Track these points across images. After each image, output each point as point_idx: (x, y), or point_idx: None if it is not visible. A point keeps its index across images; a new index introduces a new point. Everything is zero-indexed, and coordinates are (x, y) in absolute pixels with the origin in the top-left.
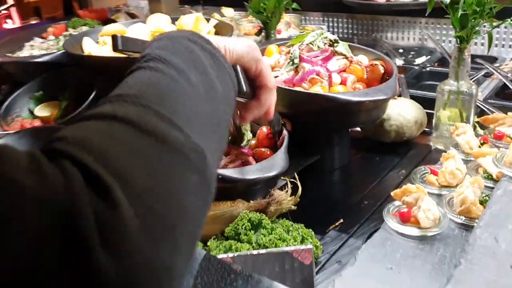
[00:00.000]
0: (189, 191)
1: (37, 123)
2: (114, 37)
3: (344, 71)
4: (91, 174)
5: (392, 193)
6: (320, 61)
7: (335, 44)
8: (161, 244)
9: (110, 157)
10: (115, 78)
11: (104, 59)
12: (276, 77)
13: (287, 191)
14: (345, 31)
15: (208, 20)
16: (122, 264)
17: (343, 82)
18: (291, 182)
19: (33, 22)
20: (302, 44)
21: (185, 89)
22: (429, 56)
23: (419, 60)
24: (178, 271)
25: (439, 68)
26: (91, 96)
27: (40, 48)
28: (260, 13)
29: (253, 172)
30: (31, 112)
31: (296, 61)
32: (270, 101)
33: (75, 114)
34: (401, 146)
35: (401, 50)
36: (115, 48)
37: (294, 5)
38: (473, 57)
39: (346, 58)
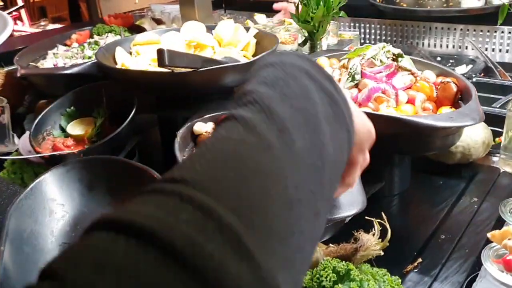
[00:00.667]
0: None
1: (70, 142)
2: (160, 52)
3: (410, 88)
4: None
5: (489, 234)
6: (385, 77)
7: (399, 59)
8: None
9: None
10: (154, 93)
11: (143, 74)
12: None
13: (374, 234)
14: (378, 37)
15: (247, 29)
16: None
17: (410, 101)
18: (379, 223)
19: (43, 23)
20: (363, 58)
21: (280, 171)
22: (470, 65)
23: (459, 69)
24: None
25: (487, 79)
26: (131, 114)
27: (64, 57)
28: (307, 22)
29: (332, 209)
30: (63, 130)
31: (358, 77)
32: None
33: (114, 135)
34: (466, 169)
35: (438, 58)
36: (161, 63)
37: (342, 13)
38: None
39: (412, 74)
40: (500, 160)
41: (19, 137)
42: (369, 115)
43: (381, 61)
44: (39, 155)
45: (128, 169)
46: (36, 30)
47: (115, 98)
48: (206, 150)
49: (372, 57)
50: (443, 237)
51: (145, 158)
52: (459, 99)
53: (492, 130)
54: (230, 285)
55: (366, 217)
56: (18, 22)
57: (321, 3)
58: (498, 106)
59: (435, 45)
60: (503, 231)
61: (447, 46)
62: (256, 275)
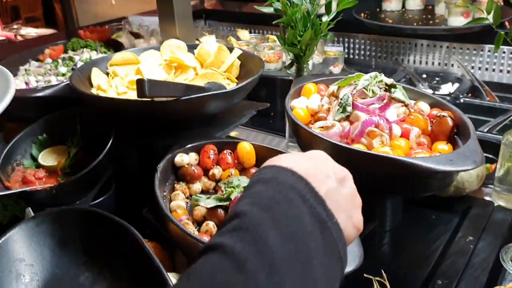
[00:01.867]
0: None
1: (41, 173)
2: (140, 82)
3: (404, 121)
4: None
5: None
6: (377, 109)
7: (392, 89)
8: None
9: None
10: (133, 121)
11: (121, 102)
12: (323, 128)
13: None
14: (363, 52)
15: (231, 49)
16: None
17: (404, 135)
18: (378, 282)
19: (15, 26)
20: (354, 88)
21: None
22: (456, 84)
23: (445, 87)
24: None
25: (475, 100)
26: (108, 146)
27: (37, 73)
28: (294, 45)
29: None
30: (34, 159)
31: (349, 108)
32: None
33: (90, 168)
34: (459, 202)
35: (424, 75)
36: (141, 94)
37: (330, 35)
38: None
39: (405, 105)
40: (494, 193)
41: None
42: (363, 154)
43: (373, 91)
44: (8, 192)
45: (105, 223)
46: (9, 34)
47: (91, 125)
48: (189, 273)
49: (364, 87)
50: (440, 282)
51: (122, 190)
52: (455, 133)
53: None
54: None
55: (365, 275)
56: None
57: (309, 25)
58: (486, 130)
59: (420, 62)
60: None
61: (433, 63)
62: None
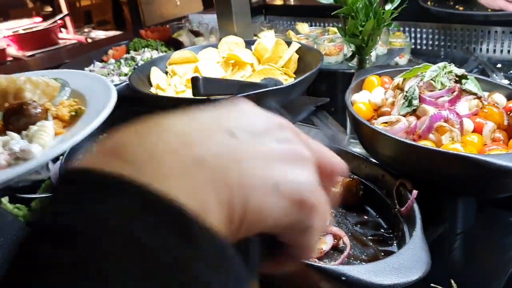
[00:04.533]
0: None
1: None
2: (194, 80)
3: (477, 115)
4: None
5: None
6: (447, 103)
7: (463, 81)
8: None
9: None
10: None
11: (178, 101)
12: (387, 124)
13: None
14: (430, 42)
15: (289, 44)
16: None
17: (477, 130)
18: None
19: (86, 30)
20: (421, 80)
21: None
22: None
23: None
24: None
25: None
26: None
27: (100, 74)
28: (355, 36)
29: (388, 273)
30: None
31: (416, 102)
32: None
33: None
34: None
35: (499, 65)
36: (196, 93)
37: (394, 25)
38: None
39: (478, 98)
40: None
41: (54, 161)
42: (430, 152)
43: (442, 83)
44: None
45: None
46: (80, 37)
47: None
48: None
49: (431, 79)
50: None
51: None
52: None
53: None
54: None
55: (432, 285)
56: (62, 29)
57: (371, 15)
58: None
59: (494, 51)
60: None
61: (508, 52)
62: None
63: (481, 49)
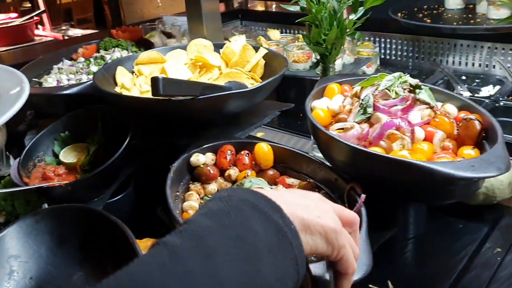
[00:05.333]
0: None
1: (61, 170)
2: (154, 80)
3: (429, 123)
4: None
5: None
6: (400, 111)
7: (417, 90)
8: None
9: None
10: (151, 120)
11: (139, 101)
12: (343, 130)
13: None
14: (399, 53)
15: (256, 49)
16: None
17: (428, 138)
18: None
19: (64, 27)
20: (376, 89)
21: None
22: (498, 86)
23: (485, 90)
24: None
25: None
26: (125, 144)
27: (69, 72)
28: (319, 44)
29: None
30: (56, 155)
31: (370, 110)
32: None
33: (107, 165)
34: (489, 211)
35: (463, 77)
36: (155, 92)
37: (358, 34)
38: None
39: (431, 107)
40: None
41: (16, 157)
42: (378, 157)
43: (396, 93)
44: (25, 187)
45: (103, 223)
46: (57, 35)
47: (112, 123)
48: (123, 274)
49: (386, 88)
50: None
51: (141, 189)
52: (483, 138)
53: None
54: None
55: (370, 286)
56: (39, 26)
57: (335, 24)
58: None
59: (460, 63)
60: None
61: (473, 65)
62: None
63: (447, 61)
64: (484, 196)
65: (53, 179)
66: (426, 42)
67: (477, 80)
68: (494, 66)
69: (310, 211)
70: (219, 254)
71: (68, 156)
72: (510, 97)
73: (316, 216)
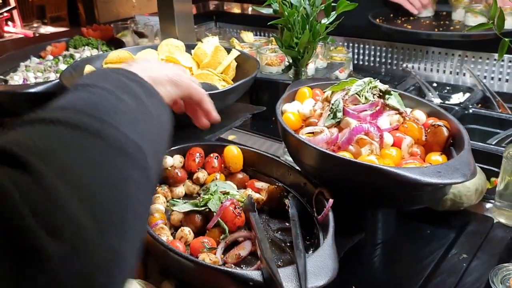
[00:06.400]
0: (130, 183)
1: None
2: None
3: (397, 129)
4: (7, 154)
5: None
6: (369, 116)
7: (387, 96)
8: (107, 226)
9: (34, 146)
10: None
11: None
12: (312, 133)
13: None
14: (372, 58)
15: (228, 51)
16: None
17: (396, 144)
18: None
19: (35, 25)
20: (346, 93)
21: (117, 104)
22: (467, 94)
23: (455, 97)
24: (127, 256)
25: (485, 111)
26: None
27: (36, 70)
28: (291, 48)
29: (294, 278)
30: None
31: (340, 114)
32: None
33: None
34: (457, 217)
35: (434, 84)
36: None
37: (330, 39)
38: None
39: (400, 113)
40: (494, 208)
41: None
42: (345, 162)
43: (366, 98)
44: None
45: None
46: (28, 32)
47: None
48: (57, 99)
49: (356, 93)
50: None
51: None
52: (450, 144)
53: (487, 169)
54: None
55: None
56: (9, 23)
57: (307, 27)
58: (494, 143)
59: (431, 70)
60: None
61: (444, 72)
62: (124, 136)
63: (419, 68)
64: (451, 202)
65: None
66: (399, 48)
67: (448, 88)
68: (464, 74)
69: (159, 71)
70: (120, 94)
71: None
72: (479, 105)
73: (163, 73)
